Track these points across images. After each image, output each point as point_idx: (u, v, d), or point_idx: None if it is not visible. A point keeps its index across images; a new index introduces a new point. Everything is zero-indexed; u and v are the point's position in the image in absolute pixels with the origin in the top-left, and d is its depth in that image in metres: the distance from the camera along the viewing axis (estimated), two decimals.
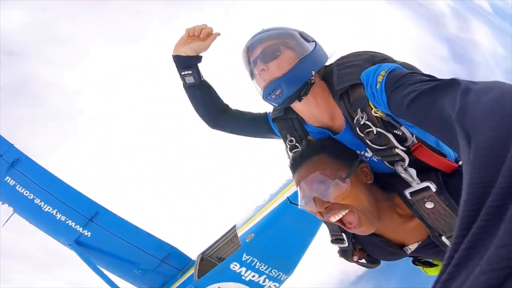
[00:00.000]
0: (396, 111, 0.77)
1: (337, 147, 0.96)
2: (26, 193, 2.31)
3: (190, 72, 1.16)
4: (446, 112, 0.52)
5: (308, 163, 0.93)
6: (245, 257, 2.01)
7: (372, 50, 1.00)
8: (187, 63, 1.15)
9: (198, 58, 1.17)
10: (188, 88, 1.20)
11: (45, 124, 5.79)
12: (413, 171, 0.87)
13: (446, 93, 0.54)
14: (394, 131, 0.87)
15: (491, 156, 0.32)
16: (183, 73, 1.16)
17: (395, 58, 1.00)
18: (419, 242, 0.97)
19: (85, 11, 7.43)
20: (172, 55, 1.15)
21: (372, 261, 1.09)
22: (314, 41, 1.02)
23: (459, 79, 0.56)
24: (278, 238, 2.01)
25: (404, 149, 0.88)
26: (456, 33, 9.59)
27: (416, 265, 1.06)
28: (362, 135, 0.90)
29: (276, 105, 0.99)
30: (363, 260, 1.07)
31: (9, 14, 7.11)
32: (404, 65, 0.92)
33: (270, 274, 2.03)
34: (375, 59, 0.94)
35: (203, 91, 1.20)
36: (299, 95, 0.94)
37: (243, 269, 2.02)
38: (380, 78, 0.80)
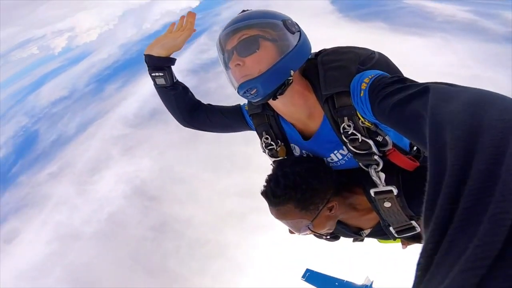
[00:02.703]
0: (378, 116, 0.80)
1: (305, 196, 0.95)
2: None
3: (161, 74, 1.08)
4: (420, 119, 0.54)
5: (277, 210, 0.99)
6: None
7: (354, 46, 0.99)
8: (158, 64, 1.07)
9: (171, 61, 1.10)
10: (159, 88, 1.13)
11: (187, 253, 8.11)
12: (382, 176, 0.95)
13: (420, 100, 0.57)
14: (376, 138, 0.92)
15: (462, 160, 0.33)
16: (153, 74, 1.08)
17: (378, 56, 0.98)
18: (371, 228, 1.13)
19: (189, 146, 9.95)
20: (144, 54, 1.08)
21: (334, 237, 1.24)
22: (299, 30, 0.92)
23: (431, 86, 0.59)
24: None
25: (380, 154, 0.93)
26: (505, 30, 9.16)
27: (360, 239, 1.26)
28: (346, 140, 0.93)
29: (252, 102, 0.96)
30: (327, 236, 1.19)
31: (140, 162, 9.92)
32: (381, 59, 0.97)
33: None
34: (361, 57, 0.93)
35: (176, 92, 1.14)
36: (274, 95, 0.89)
37: None
38: (363, 86, 0.82)
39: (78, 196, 10.19)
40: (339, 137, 0.94)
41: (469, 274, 0.24)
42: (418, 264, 0.30)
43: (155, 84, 1.12)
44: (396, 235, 1.06)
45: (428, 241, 0.30)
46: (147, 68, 1.08)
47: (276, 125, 1.08)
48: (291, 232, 1.06)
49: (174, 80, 1.12)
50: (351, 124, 0.90)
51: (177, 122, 1.21)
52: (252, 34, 0.87)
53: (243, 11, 0.98)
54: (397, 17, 11.38)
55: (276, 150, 1.09)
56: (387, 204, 0.97)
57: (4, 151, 13.70)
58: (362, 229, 1.17)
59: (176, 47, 1.06)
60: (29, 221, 10.31)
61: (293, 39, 0.89)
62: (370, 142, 0.91)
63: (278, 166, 1.03)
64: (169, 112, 1.20)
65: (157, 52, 1.05)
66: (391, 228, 1.03)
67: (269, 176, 1.02)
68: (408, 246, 1.20)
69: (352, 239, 1.27)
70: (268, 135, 1.09)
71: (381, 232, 1.10)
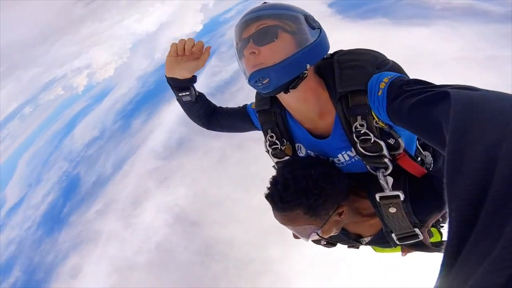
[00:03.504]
0: (394, 117, 0.77)
1: (317, 202, 0.88)
2: None
3: (188, 93, 1.10)
4: (440, 122, 0.53)
5: (284, 216, 0.91)
6: None
7: (370, 49, 0.96)
8: (185, 86, 1.08)
9: (194, 79, 1.10)
10: (184, 104, 1.16)
11: (235, 273, 8.57)
12: (390, 180, 0.91)
13: (440, 103, 0.56)
14: (388, 140, 0.88)
15: (485, 165, 0.33)
16: (180, 94, 1.10)
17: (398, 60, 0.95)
18: (372, 236, 1.08)
19: (218, 169, 10.44)
20: (167, 77, 1.06)
21: (331, 243, 1.19)
22: (320, 28, 0.91)
23: (451, 90, 0.57)
24: None
25: (391, 158, 0.89)
26: (505, 10, 8.82)
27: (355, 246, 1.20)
28: (357, 140, 0.88)
29: (262, 93, 0.91)
30: (325, 242, 1.14)
31: (176, 191, 10.55)
32: (395, 66, 0.94)
33: None
34: (377, 60, 0.91)
35: (198, 103, 1.16)
36: (286, 88, 0.86)
37: None
38: (382, 85, 0.80)
39: (125, 229, 11.03)
40: (349, 138, 0.92)
41: (496, 274, 0.24)
42: (441, 265, 0.30)
43: (181, 102, 1.15)
44: (397, 242, 1.01)
45: (451, 244, 0.30)
46: (171, 89, 1.10)
47: (282, 123, 1.03)
48: (296, 237, 1.00)
49: (197, 94, 1.16)
50: (364, 123, 0.86)
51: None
52: (271, 24, 0.85)
53: (264, 2, 0.93)
54: (396, 10, 11.31)
55: (280, 149, 1.04)
56: (392, 210, 0.92)
57: (52, 195, 15.10)
58: (361, 236, 1.12)
59: (199, 67, 1.05)
60: (87, 256, 11.33)
61: (313, 35, 0.87)
62: (382, 143, 0.87)
63: (286, 168, 0.95)
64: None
65: (182, 74, 1.05)
66: (393, 235, 1.00)
67: (276, 178, 0.94)
68: (408, 254, 1.16)
69: (347, 245, 1.23)
70: (274, 133, 1.05)
71: (381, 240, 1.06)
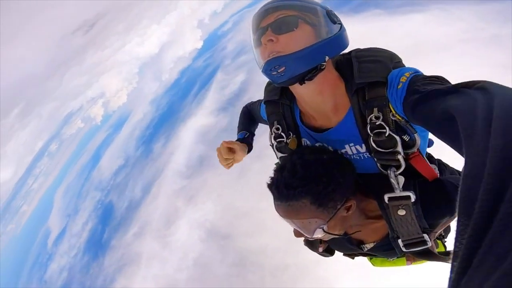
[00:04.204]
0: (409, 112, 0.76)
1: (326, 190, 0.83)
2: None
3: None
4: (454, 118, 0.53)
5: (289, 206, 0.84)
6: None
7: (388, 49, 0.95)
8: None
9: (250, 149, 1.27)
10: None
11: (273, 281, 8.83)
12: (401, 179, 0.88)
13: (461, 100, 0.54)
14: (403, 136, 0.85)
15: (503, 166, 0.32)
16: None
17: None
18: (375, 242, 1.03)
19: (240, 182, 10.76)
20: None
21: (329, 251, 1.15)
22: (340, 23, 0.90)
23: (471, 87, 0.56)
24: None
25: (404, 156, 0.87)
26: None
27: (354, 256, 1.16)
28: (370, 133, 0.86)
29: (276, 82, 0.88)
30: (322, 251, 1.11)
31: (205, 207, 11.01)
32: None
33: None
34: (395, 58, 0.91)
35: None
36: (302, 78, 0.85)
37: None
38: (403, 79, 0.79)
39: (163, 249, 11.65)
40: (362, 132, 0.89)
41: None
42: (455, 267, 0.30)
43: None
44: (404, 249, 0.95)
45: (465, 246, 0.30)
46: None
47: (290, 116, 1.02)
48: (298, 235, 0.94)
49: (251, 132, 1.31)
50: (380, 115, 0.84)
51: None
52: (291, 14, 0.84)
53: None
54: (386, 0, 11.20)
55: (285, 142, 1.02)
56: (401, 212, 0.88)
57: (90, 224, 16.19)
58: (363, 243, 1.06)
59: (242, 150, 1.18)
60: (132, 277, 12.08)
61: (333, 28, 0.87)
62: (397, 138, 0.84)
63: (295, 154, 0.90)
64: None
65: (244, 154, 1.20)
66: (399, 241, 0.94)
67: (282, 165, 0.89)
68: (413, 264, 1.10)
69: (343, 253, 1.18)
70: (280, 125, 1.03)
71: (385, 247, 1.02)
